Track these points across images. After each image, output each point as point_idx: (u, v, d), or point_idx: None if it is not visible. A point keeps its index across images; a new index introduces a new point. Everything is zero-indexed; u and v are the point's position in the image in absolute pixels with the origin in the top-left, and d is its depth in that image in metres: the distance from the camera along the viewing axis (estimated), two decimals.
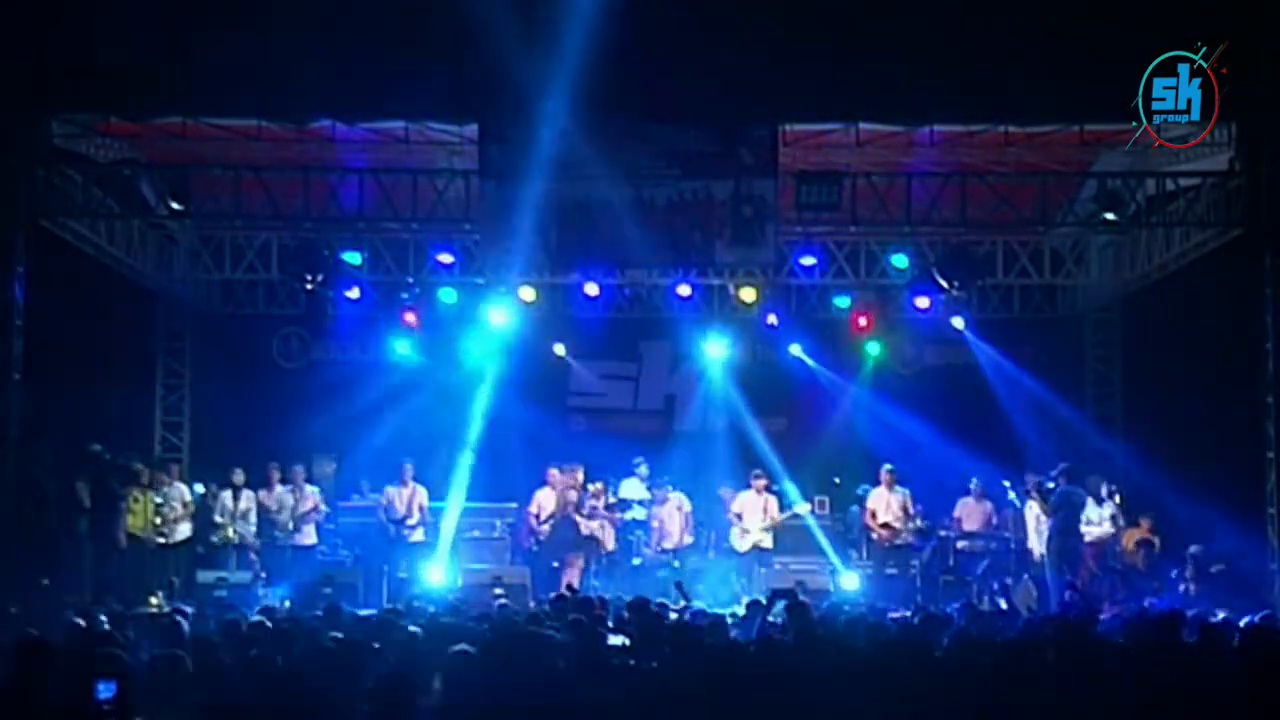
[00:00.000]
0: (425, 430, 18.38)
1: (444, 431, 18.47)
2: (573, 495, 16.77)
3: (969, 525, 17.13)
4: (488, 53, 14.02)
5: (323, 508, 17.17)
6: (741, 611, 12.47)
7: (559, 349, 19.56)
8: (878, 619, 10.75)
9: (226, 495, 17.10)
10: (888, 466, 17.25)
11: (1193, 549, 15.89)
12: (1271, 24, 13.82)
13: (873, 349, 18.98)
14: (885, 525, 16.97)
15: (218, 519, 16.97)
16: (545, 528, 16.89)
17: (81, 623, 9.75)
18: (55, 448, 15.72)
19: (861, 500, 17.37)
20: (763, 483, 17.06)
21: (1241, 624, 9.80)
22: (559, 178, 15.17)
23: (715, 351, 19.36)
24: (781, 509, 17.05)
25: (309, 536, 17.04)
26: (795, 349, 19.31)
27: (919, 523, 17.06)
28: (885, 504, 17.09)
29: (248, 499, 17.08)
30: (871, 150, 15.77)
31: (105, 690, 6.52)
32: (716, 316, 19.34)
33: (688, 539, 17.25)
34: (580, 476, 17.04)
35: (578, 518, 16.76)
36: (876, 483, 17.27)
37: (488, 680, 7.14)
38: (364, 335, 19.12)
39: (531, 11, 13.89)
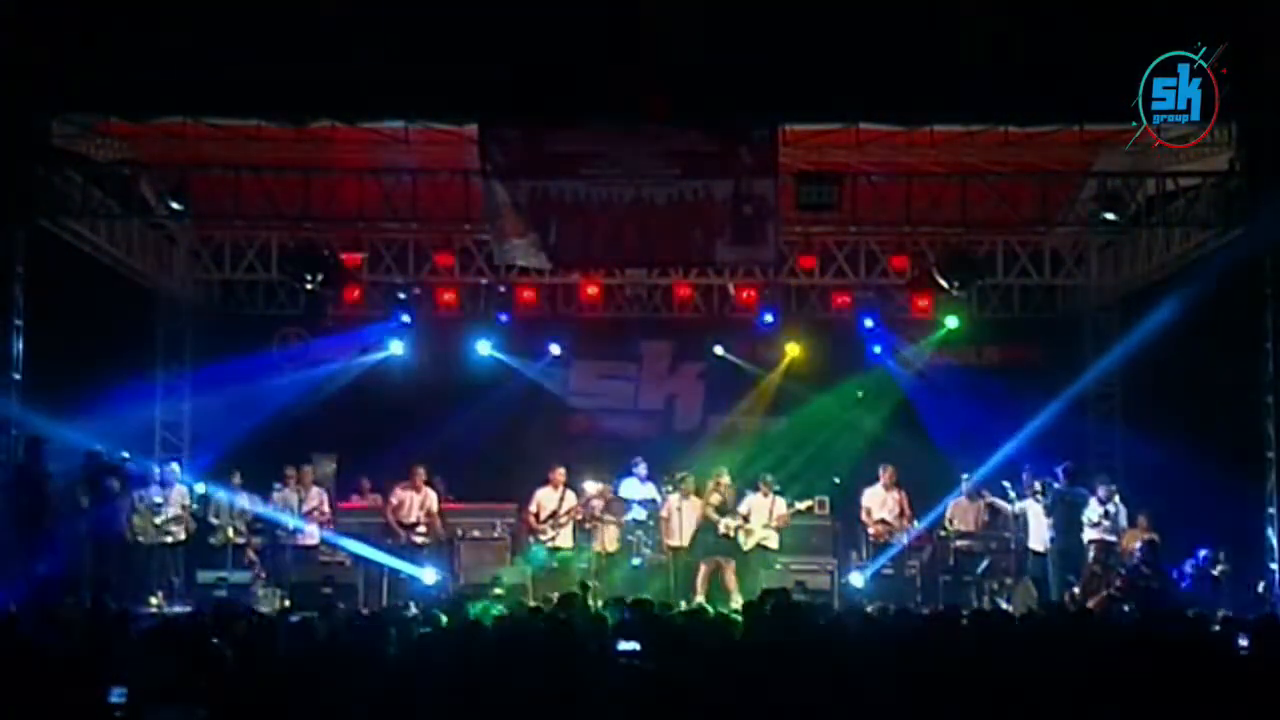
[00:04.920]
0: (426, 430, 18.40)
1: (444, 430, 18.49)
2: (715, 498, 16.68)
3: (960, 525, 17.10)
4: (487, 53, 14.06)
5: (326, 509, 17.13)
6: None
7: (556, 349, 19.56)
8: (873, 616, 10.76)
9: (222, 495, 17.06)
10: (889, 466, 17.23)
11: (1203, 552, 15.91)
12: (1271, 24, 13.83)
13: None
14: (881, 521, 16.96)
15: (214, 520, 16.94)
16: (544, 528, 16.86)
17: (86, 624, 9.75)
18: (55, 448, 15.70)
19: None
20: (769, 485, 17.04)
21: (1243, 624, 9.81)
22: (559, 177, 15.19)
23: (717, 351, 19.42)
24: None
25: (310, 537, 17.01)
26: (793, 350, 19.32)
27: (915, 523, 17.02)
28: (881, 501, 17.07)
29: (243, 500, 17.05)
30: (871, 150, 15.78)
31: (116, 696, 6.54)
32: (716, 316, 19.36)
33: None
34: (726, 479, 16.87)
35: (715, 517, 16.65)
36: (874, 480, 17.26)
37: (489, 680, 7.14)
38: (364, 335, 19.16)
39: (532, 11, 13.91)
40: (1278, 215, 14.73)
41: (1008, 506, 16.74)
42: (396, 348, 18.86)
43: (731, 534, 16.68)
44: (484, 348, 19.03)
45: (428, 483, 17.16)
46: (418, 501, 17.03)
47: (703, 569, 16.44)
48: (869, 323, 18.35)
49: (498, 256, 16.52)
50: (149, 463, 17.52)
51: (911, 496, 17.17)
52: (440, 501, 17.50)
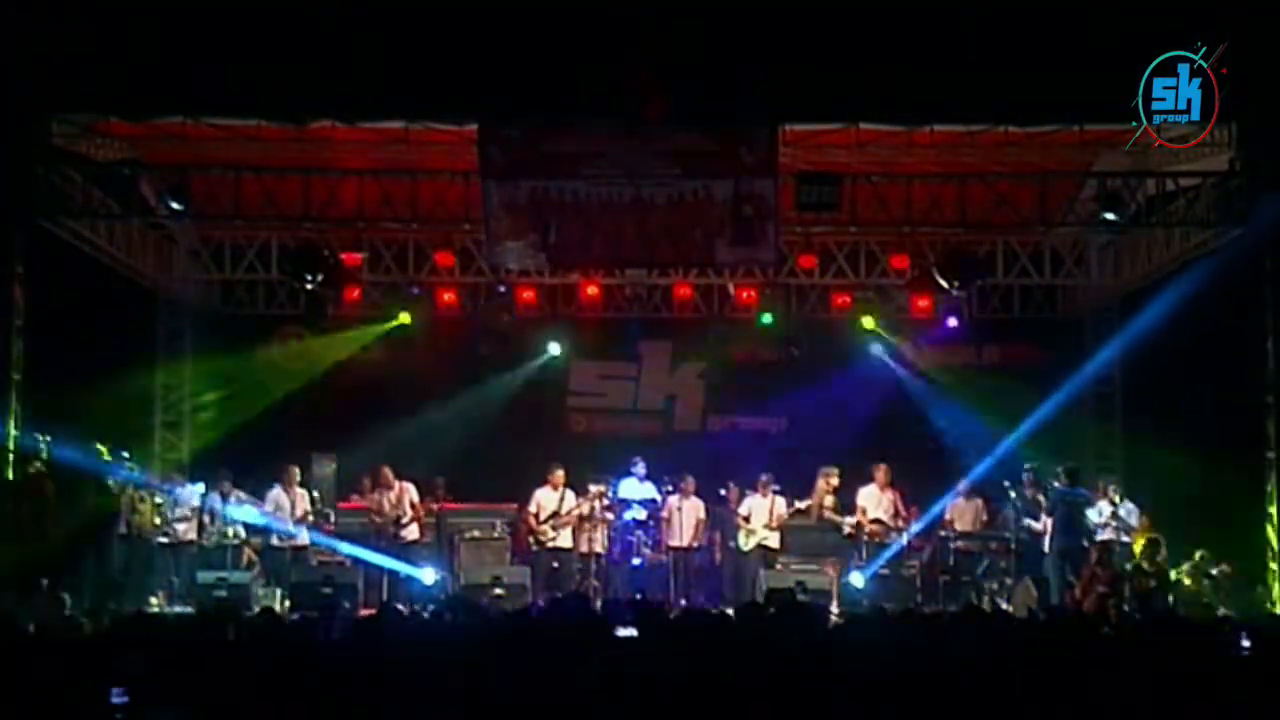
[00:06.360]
0: (425, 430, 18.42)
1: (444, 430, 18.52)
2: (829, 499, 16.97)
3: (961, 525, 17.12)
4: (487, 53, 14.07)
5: (310, 514, 17.04)
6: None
7: (556, 349, 19.56)
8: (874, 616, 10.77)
9: (216, 496, 17.01)
10: (883, 465, 17.23)
11: (1202, 552, 15.93)
12: (1271, 24, 13.82)
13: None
14: (876, 521, 16.97)
15: (206, 520, 16.90)
16: (544, 528, 16.86)
17: (88, 624, 9.76)
18: (55, 448, 15.69)
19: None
20: (770, 485, 17.04)
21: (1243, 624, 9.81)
22: (559, 177, 15.18)
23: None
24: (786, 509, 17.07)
25: (303, 538, 16.98)
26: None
27: (911, 525, 17.00)
28: (876, 501, 17.07)
29: (240, 499, 17.01)
30: (871, 150, 15.78)
31: (118, 696, 6.55)
32: (716, 316, 19.36)
33: (695, 542, 17.15)
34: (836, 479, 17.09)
35: (836, 518, 16.86)
36: (869, 479, 17.26)
37: (491, 675, 7.14)
38: (364, 335, 19.20)
39: (532, 10, 13.92)
40: (1278, 215, 14.76)
41: (1038, 525, 16.64)
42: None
43: (854, 534, 16.82)
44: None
45: (399, 478, 17.11)
46: (392, 499, 17.03)
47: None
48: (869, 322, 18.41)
49: (490, 259, 16.52)
50: (149, 463, 17.55)
51: (911, 497, 17.18)
52: (438, 499, 17.54)
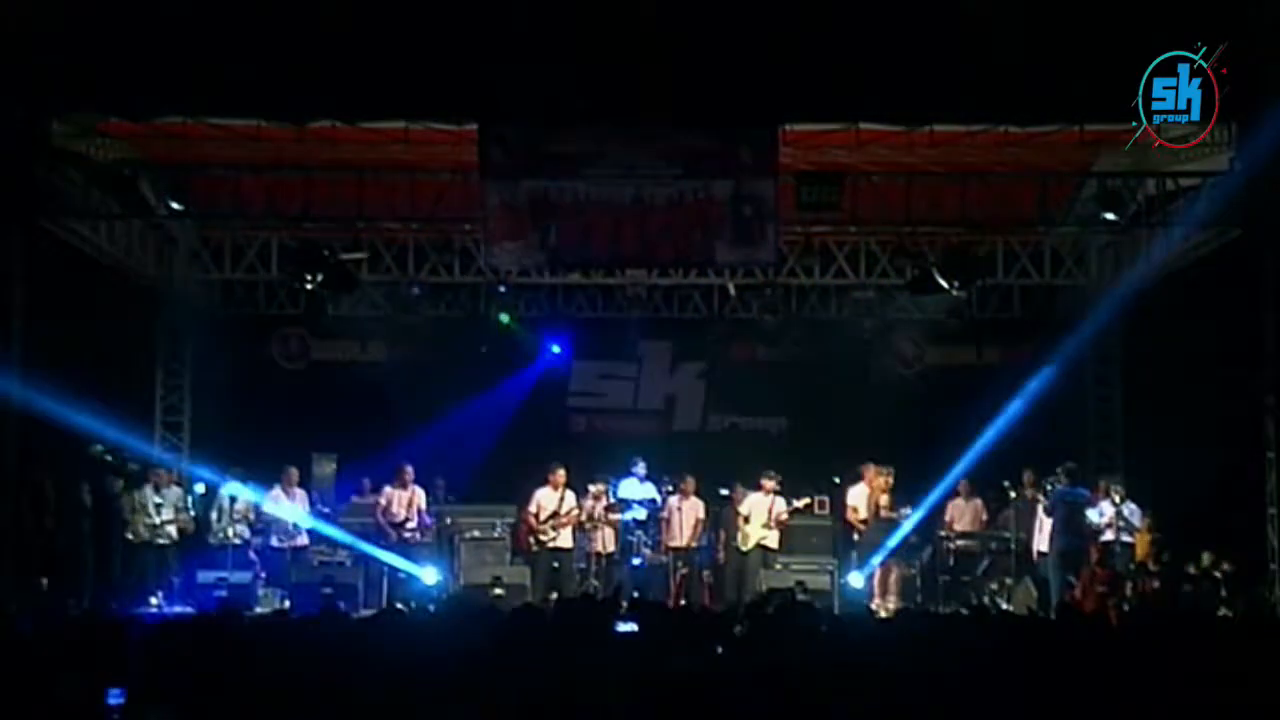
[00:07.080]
0: (425, 430, 18.43)
1: (444, 430, 18.53)
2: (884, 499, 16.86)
3: (960, 525, 17.12)
4: (487, 53, 14.06)
5: (305, 516, 17.04)
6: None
7: (556, 349, 19.58)
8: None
9: (224, 497, 17.03)
10: (872, 465, 17.20)
11: (1205, 553, 15.94)
12: (1272, 24, 13.82)
13: None
14: (865, 521, 16.97)
15: (214, 519, 16.91)
16: (545, 528, 16.86)
17: (86, 624, 9.75)
18: (55, 448, 15.70)
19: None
20: (771, 484, 17.02)
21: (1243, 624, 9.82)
22: (559, 177, 15.19)
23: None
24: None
25: (301, 538, 16.99)
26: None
27: (899, 517, 16.99)
28: (866, 500, 17.07)
29: (243, 500, 17.04)
30: (871, 150, 15.78)
31: (115, 697, 6.54)
32: (716, 316, 19.37)
33: (695, 542, 17.15)
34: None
35: (895, 515, 16.81)
36: (859, 479, 17.24)
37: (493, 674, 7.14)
38: (364, 335, 19.22)
39: (532, 11, 13.92)
40: (1278, 215, 14.75)
41: (1048, 519, 16.63)
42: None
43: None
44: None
45: (416, 481, 17.13)
46: (405, 499, 17.03)
47: (895, 572, 16.62)
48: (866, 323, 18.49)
49: (490, 259, 16.51)
50: (149, 462, 17.54)
51: (910, 498, 17.17)
52: (440, 500, 17.53)
